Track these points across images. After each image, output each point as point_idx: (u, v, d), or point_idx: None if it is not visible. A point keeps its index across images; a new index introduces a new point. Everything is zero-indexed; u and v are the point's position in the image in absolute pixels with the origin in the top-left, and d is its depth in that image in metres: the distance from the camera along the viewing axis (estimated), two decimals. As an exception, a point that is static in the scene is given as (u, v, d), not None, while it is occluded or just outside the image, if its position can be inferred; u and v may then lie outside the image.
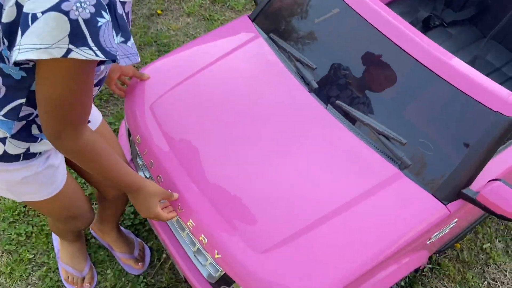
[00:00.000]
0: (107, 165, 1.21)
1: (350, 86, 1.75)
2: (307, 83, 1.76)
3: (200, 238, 1.43)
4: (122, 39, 1.06)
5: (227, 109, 1.69)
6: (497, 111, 1.48)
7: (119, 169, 1.24)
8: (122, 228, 2.24)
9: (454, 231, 1.84)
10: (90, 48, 0.94)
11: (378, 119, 1.67)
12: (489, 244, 2.40)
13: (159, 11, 3.29)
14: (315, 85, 1.74)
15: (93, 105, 1.59)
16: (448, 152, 1.58)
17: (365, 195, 1.52)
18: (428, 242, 1.65)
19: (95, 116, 1.62)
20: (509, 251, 2.39)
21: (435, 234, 1.63)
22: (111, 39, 0.99)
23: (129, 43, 1.08)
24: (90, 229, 2.22)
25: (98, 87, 1.26)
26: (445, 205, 1.56)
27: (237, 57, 1.84)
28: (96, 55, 0.95)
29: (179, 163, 1.54)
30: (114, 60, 1.01)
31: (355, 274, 1.38)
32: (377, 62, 1.74)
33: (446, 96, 1.59)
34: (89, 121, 1.53)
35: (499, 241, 2.42)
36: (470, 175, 1.54)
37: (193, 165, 1.55)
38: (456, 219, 1.67)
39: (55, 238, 2.20)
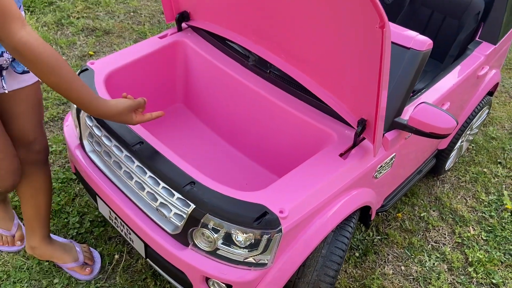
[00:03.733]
0: (62, 75, 1.24)
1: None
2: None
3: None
4: None
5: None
6: (410, 47, 1.77)
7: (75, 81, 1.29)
8: (56, 237, 2.13)
9: (393, 175, 2.02)
10: None
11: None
12: (425, 213, 2.59)
13: (91, 52, 3.41)
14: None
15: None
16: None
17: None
18: (374, 175, 1.80)
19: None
20: (444, 217, 2.60)
21: (379, 166, 1.79)
22: None
23: None
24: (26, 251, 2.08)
25: None
26: (384, 133, 1.75)
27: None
28: None
29: None
30: None
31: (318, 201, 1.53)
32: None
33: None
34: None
35: (433, 211, 2.63)
36: (399, 105, 1.77)
37: None
38: (394, 153, 1.86)
39: None
